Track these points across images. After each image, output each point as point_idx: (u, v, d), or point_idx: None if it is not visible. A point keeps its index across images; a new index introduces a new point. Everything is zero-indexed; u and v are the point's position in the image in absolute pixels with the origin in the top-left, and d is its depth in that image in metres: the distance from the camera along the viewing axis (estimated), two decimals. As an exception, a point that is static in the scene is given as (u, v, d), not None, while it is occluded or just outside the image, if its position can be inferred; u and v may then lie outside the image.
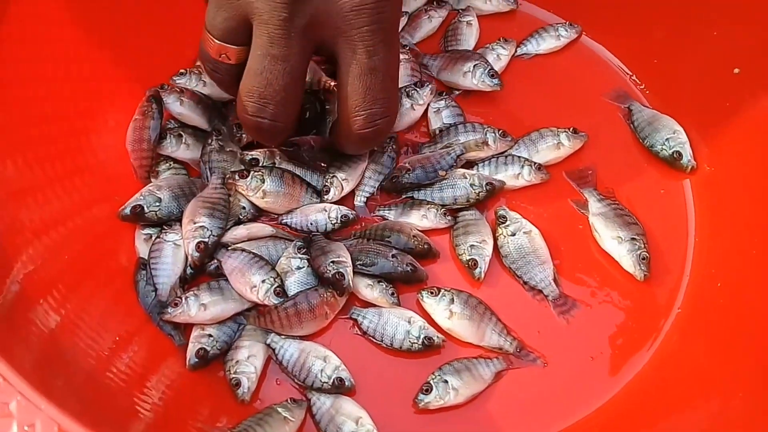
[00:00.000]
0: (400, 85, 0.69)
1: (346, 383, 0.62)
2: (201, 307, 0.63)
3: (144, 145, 0.69)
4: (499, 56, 0.78)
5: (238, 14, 0.56)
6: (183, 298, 0.63)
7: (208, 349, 0.63)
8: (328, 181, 0.70)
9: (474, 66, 0.75)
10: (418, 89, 0.74)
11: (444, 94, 0.76)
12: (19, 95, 0.63)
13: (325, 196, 0.70)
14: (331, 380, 0.62)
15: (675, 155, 0.73)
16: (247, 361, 0.63)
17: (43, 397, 0.44)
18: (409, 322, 0.65)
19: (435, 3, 0.82)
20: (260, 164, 0.70)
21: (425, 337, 0.64)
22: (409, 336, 0.64)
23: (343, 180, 0.70)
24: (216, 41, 0.58)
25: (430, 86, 0.75)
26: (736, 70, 0.70)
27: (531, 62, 0.79)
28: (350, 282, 0.64)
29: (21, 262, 0.57)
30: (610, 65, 0.79)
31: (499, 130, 0.73)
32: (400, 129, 0.75)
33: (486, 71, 0.75)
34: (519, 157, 0.73)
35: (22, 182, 0.62)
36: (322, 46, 0.58)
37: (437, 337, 0.65)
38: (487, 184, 0.70)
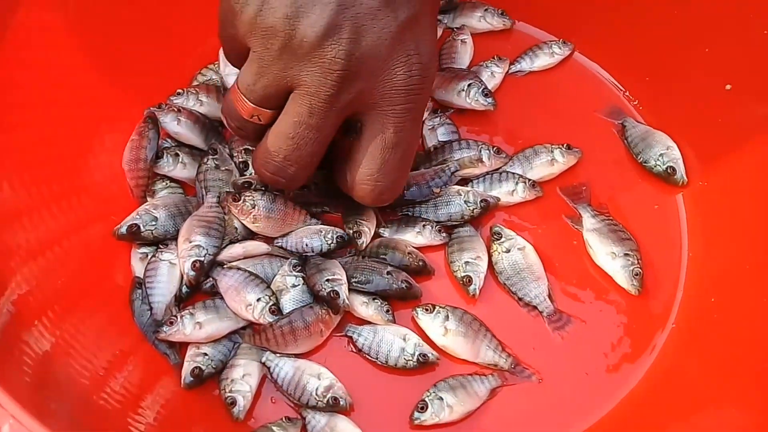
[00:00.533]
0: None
1: (341, 401, 0.62)
2: (196, 326, 0.63)
3: (140, 164, 0.70)
4: (494, 74, 0.79)
5: (280, 83, 0.55)
6: (178, 317, 0.63)
7: (203, 367, 0.63)
8: (355, 230, 0.69)
9: (468, 85, 0.75)
10: None
11: (439, 111, 0.77)
12: (16, 118, 0.64)
13: (359, 243, 0.69)
14: (326, 398, 0.62)
15: (669, 170, 0.73)
16: (242, 379, 0.63)
17: (36, 420, 0.44)
18: (404, 339, 0.65)
19: (429, 21, 0.83)
20: (252, 187, 0.69)
21: (420, 354, 0.64)
22: (404, 353, 0.65)
23: (364, 220, 0.69)
24: (250, 104, 0.57)
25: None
26: (728, 86, 0.71)
27: (525, 79, 0.80)
28: (345, 300, 0.64)
29: (15, 283, 0.57)
30: (603, 82, 0.80)
31: (493, 147, 0.73)
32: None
33: (480, 90, 0.75)
34: (513, 173, 0.73)
35: (17, 203, 0.62)
36: (350, 115, 0.58)
37: (432, 354, 0.65)
38: (481, 200, 0.70)
